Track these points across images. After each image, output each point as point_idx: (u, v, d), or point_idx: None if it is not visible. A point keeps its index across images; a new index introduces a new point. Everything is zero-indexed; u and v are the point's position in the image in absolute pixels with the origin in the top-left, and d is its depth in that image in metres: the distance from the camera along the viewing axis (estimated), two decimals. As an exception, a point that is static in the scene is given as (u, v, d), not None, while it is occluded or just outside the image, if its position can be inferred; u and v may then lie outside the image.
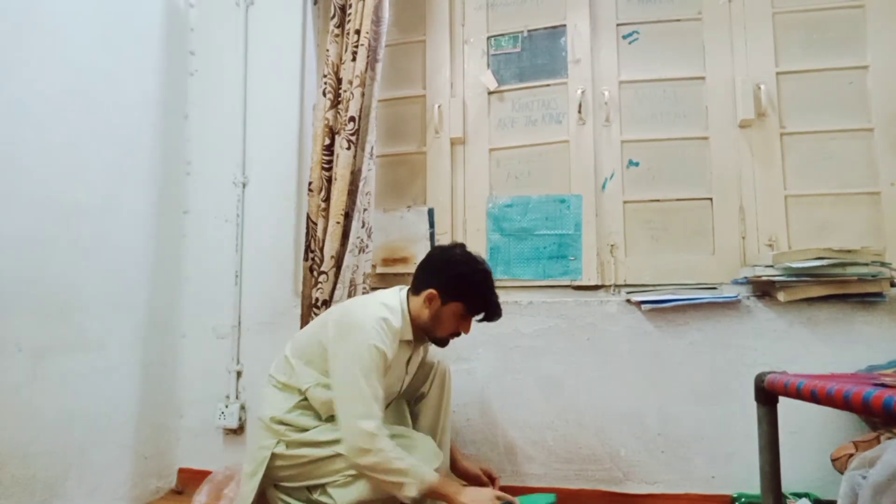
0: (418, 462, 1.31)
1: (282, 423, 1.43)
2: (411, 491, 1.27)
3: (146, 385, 1.92)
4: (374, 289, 1.97)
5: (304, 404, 1.45)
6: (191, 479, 2.04)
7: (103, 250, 1.76)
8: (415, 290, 1.47)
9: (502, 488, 1.84)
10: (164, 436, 2.02)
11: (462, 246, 1.50)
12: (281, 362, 1.52)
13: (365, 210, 1.88)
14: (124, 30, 1.87)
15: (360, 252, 1.87)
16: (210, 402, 2.06)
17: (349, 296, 1.83)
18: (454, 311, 1.44)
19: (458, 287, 1.42)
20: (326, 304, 1.81)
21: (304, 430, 1.42)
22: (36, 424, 1.51)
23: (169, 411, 2.05)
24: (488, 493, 1.36)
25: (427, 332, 1.48)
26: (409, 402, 1.67)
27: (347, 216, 1.85)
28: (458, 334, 1.50)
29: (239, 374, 2.07)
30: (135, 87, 1.92)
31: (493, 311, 1.46)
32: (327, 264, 1.82)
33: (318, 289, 1.81)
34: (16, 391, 1.47)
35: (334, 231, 1.82)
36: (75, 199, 1.66)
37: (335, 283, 1.82)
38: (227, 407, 2.04)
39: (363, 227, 1.87)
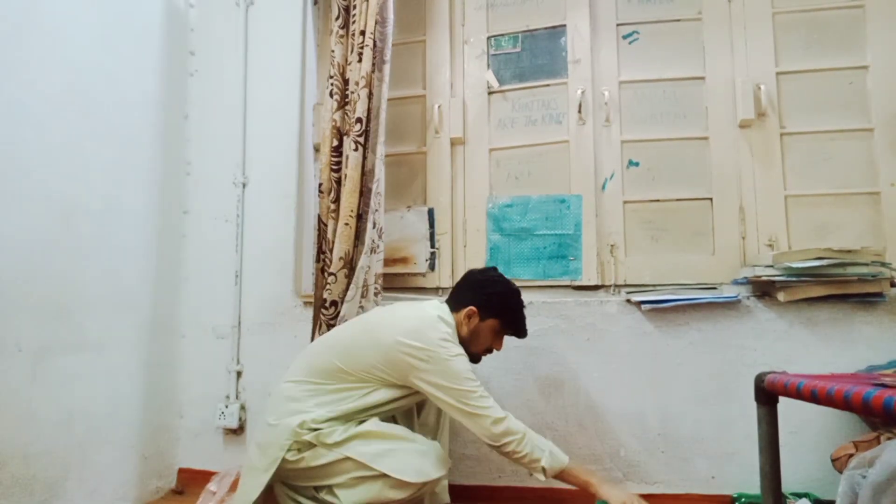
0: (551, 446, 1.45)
1: (309, 428, 1.42)
2: (547, 468, 1.42)
3: (146, 385, 1.92)
4: (384, 288, 1.97)
5: (337, 415, 1.44)
6: (191, 480, 2.04)
7: (103, 250, 1.76)
8: (454, 307, 1.57)
9: (501, 488, 1.84)
10: (164, 436, 2.02)
11: (496, 269, 1.64)
12: (324, 369, 1.49)
13: (376, 211, 1.87)
14: (124, 30, 1.87)
15: (371, 252, 1.86)
16: (210, 402, 2.06)
17: (362, 297, 1.83)
18: (491, 328, 1.56)
19: (495, 304, 1.55)
20: (336, 304, 1.81)
21: (318, 430, 1.42)
22: (36, 425, 1.51)
23: (169, 411, 2.05)
24: (626, 491, 1.48)
25: (464, 348, 1.52)
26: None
27: (360, 217, 1.85)
28: (490, 351, 1.61)
29: (239, 374, 2.07)
30: (135, 87, 1.92)
31: (523, 328, 1.60)
32: (336, 265, 1.81)
33: (328, 290, 1.81)
34: (16, 391, 1.46)
35: (343, 232, 1.82)
36: (75, 199, 1.66)
37: (347, 284, 1.81)
38: (227, 407, 2.03)
39: (374, 227, 1.87)
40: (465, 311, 1.54)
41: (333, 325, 1.78)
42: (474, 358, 1.58)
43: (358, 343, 1.51)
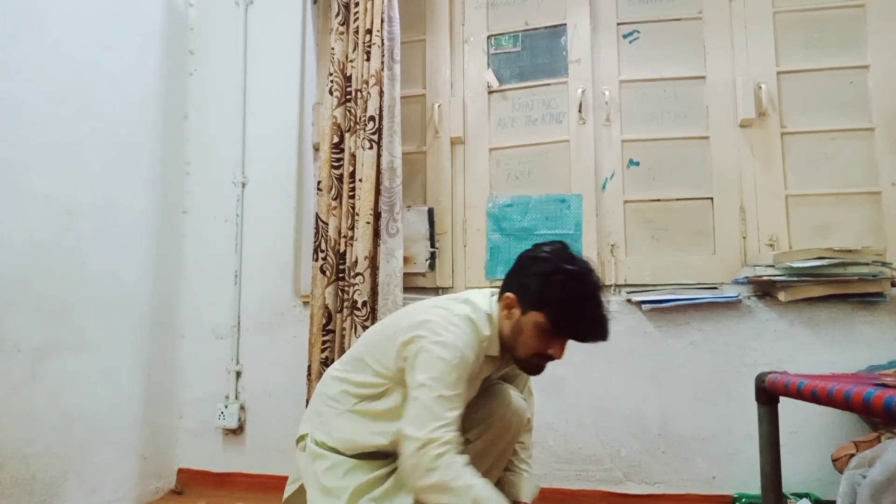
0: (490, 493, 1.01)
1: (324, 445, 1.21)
2: None
3: (146, 385, 1.92)
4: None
5: (338, 441, 1.20)
6: (190, 480, 2.04)
7: (103, 250, 1.76)
8: (499, 295, 1.22)
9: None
10: (164, 436, 2.02)
11: (560, 243, 1.20)
12: (354, 357, 1.28)
13: (398, 211, 1.88)
14: (124, 29, 1.87)
15: (391, 255, 1.87)
16: (209, 402, 2.06)
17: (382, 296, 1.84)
18: (535, 324, 1.14)
19: (536, 290, 1.14)
20: (366, 305, 1.81)
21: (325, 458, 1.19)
22: (35, 425, 1.51)
23: (168, 411, 2.05)
24: None
25: (510, 350, 1.20)
26: None
27: (378, 216, 1.85)
28: (547, 357, 1.17)
29: (238, 374, 2.07)
30: (134, 86, 1.91)
31: (584, 328, 1.14)
32: (362, 265, 1.81)
33: (357, 291, 1.80)
34: (15, 391, 1.46)
35: (365, 231, 1.81)
36: (75, 199, 1.66)
37: (373, 284, 1.81)
38: (226, 407, 2.03)
39: (388, 225, 1.87)
40: (504, 300, 1.18)
41: (367, 327, 1.75)
42: (525, 365, 1.23)
43: (384, 327, 1.29)
